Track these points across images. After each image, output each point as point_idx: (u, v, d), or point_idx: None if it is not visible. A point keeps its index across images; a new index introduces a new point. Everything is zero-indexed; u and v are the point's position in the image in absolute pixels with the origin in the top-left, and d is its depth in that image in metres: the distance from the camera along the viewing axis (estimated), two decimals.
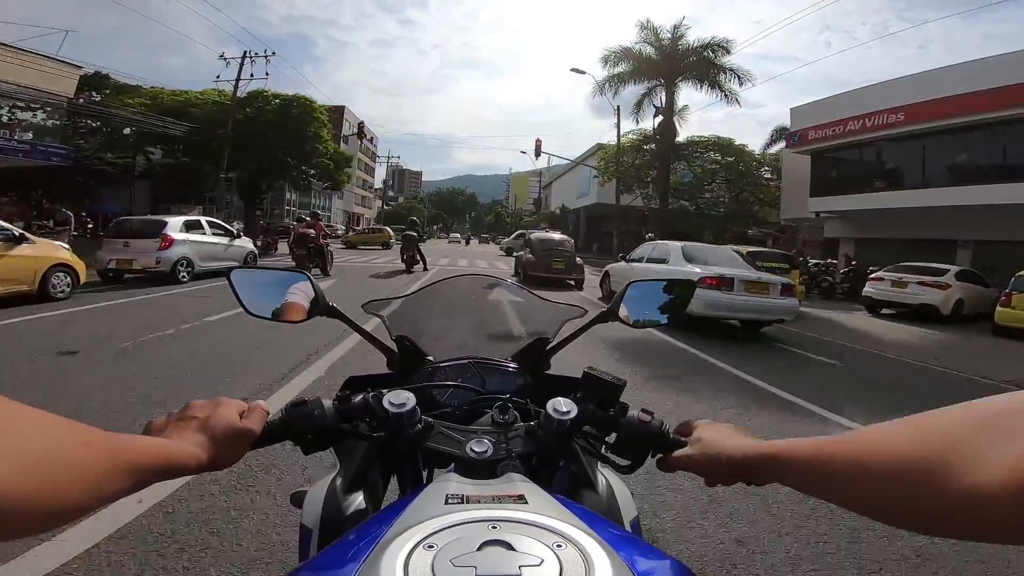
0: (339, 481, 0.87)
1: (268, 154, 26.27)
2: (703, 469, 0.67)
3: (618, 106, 29.98)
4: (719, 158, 31.74)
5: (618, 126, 29.79)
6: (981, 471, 0.34)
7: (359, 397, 0.74)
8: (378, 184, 72.16)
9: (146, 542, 2.20)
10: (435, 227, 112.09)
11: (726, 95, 29.50)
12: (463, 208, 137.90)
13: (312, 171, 30.42)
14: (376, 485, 0.91)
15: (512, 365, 1.05)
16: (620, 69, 29.60)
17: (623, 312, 1.07)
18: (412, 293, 1.27)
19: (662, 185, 30.61)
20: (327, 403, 0.72)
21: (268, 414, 0.67)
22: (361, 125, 26.17)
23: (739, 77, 28.96)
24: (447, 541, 0.48)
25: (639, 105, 31.13)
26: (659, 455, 0.74)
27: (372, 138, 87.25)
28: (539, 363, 1.08)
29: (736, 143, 30.76)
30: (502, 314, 1.29)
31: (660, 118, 30.82)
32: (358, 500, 0.85)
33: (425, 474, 0.90)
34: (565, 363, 1.12)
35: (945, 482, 0.36)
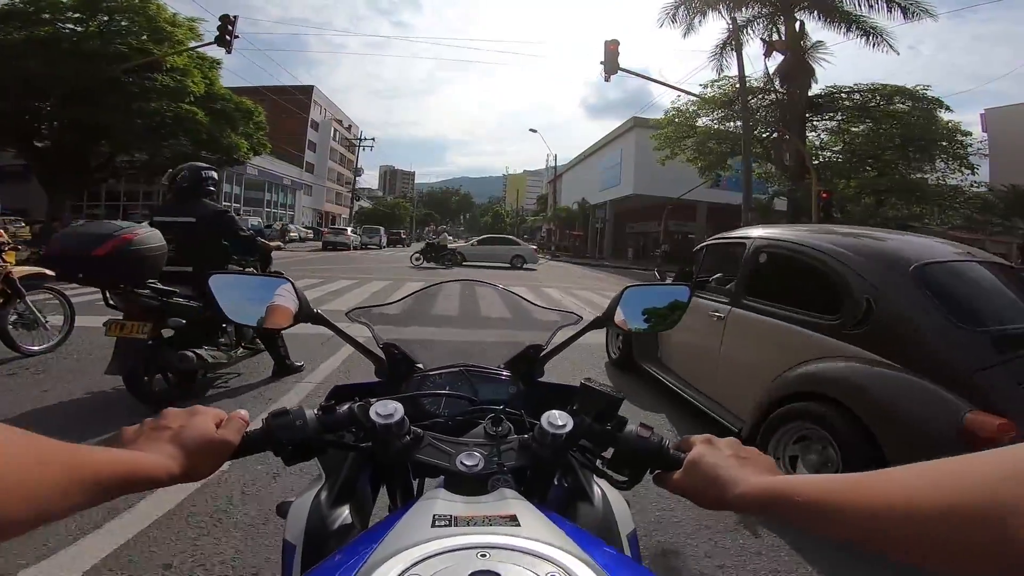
0: (324, 494, 0.82)
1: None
2: (696, 495, 0.63)
3: (734, 17, 17.50)
4: (861, 125, 19.21)
5: (738, 51, 17.21)
6: None
7: (344, 407, 0.71)
8: (363, 178, 59.22)
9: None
10: (426, 229, 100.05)
11: (867, 34, 17.40)
12: (457, 209, 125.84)
13: (161, 128, 17.15)
14: (364, 497, 0.88)
15: (505, 373, 1.02)
16: None
17: (619, 318, 1.04)
18: (401, 299, 1.21)
19: (795, 156, 18.16)
20: (310, 413, 0.69)
21: (247, 424, 0.65)
22: (226, 21, 12.85)
23: (902, 8, 16.80)
24: (433, 571, 0.46)
25: (725, 45, 18.88)
26: (657, 471, 0.70)
27: (350, 126, 74.72)
28: (533, 370, 1.04)
29: (923, 91, 18.10)
30: (494, 320, 1.24)
31: (775, 59, 18.68)
32: (344, 514, 0.80)
33: (416, 484, 0.86)
34: None
35: (987, 533, 0.34)
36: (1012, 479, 0.34)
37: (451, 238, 21.72)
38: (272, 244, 4.50)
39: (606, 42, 13.07)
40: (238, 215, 4.85)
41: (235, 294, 0.97)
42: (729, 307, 3.62)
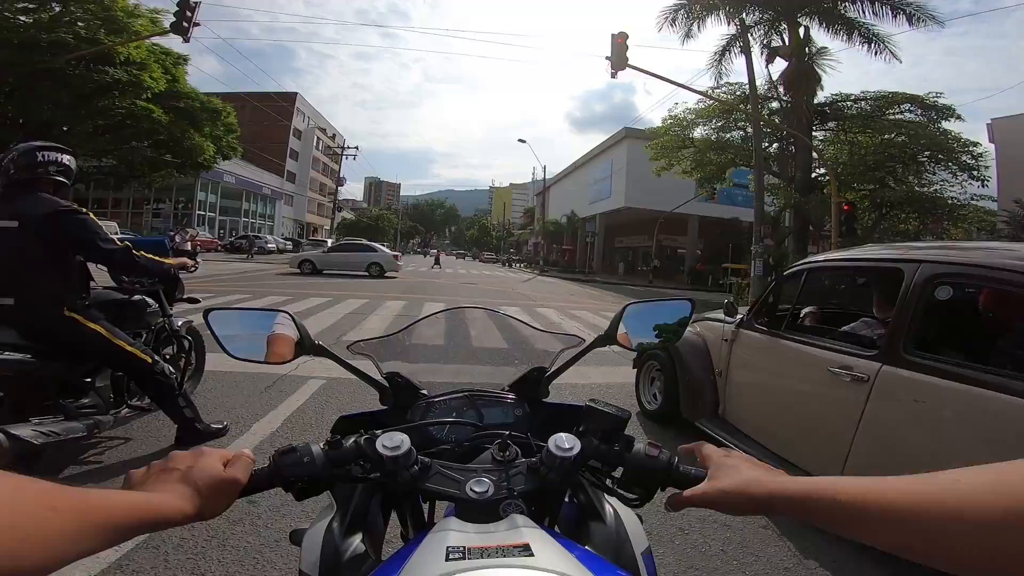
0: (336, 524, 0.81)
1: None
2: (724, 503, 0.61)
3: (742, 18, 16.51)
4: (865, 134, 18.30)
5: (747, 52, 16.18)
6: None
7: (351, 441, 0.72)
8: (348, 190, 56.83)
9: None
10: (412, 241, 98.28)
11: (869, 41, 16.69)
12: (443, 222, 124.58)
13: (121, 128, 15.41)
14: (376, 525, 0.87)
15: (510, 396, 1.01)
16: None
17: (622, 335, 1.03)
18: (402, 329, 1.19)
19: (802, 168, 17.16)
20: (316, 449, 0.69)
21: (254, 462, 0.65)
22: (184, 7, 11.24)
23: (907, 14, 16.08)
24: None
25: (724, 52, 18.04)
26: (673, 492, 0.68)
27: (334, 135, 73.16)
28: (538, 392, 1.03)
29: (934, 100, 17.18)
30: (496, 344, 1.24)
31: (777, 66, 17.89)
32: (356, 543, 0.80)
33: (426, 509, 0.86)
34: None
35: None
36: None
37: (195, 234, 17.51)
38: (172, 261, 3.03)
39: (613, 35, 11.73)
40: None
41: (235, 329, 0.97)
42: (878, 364, 2.28)
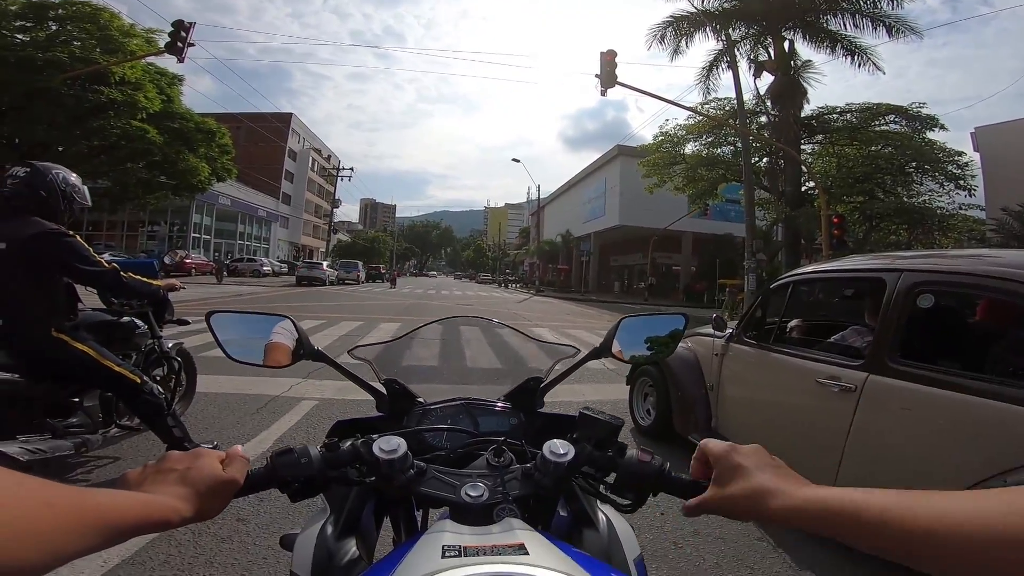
0: (329, 527, 0.81)
1: None
2: (731, 509, 0.58)
3: (728, 33, 16.84)
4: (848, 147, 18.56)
5: (733, 66, 16.48)
6: None
7: (348, 444, 0.72)
8: (344, 212, 56.87)
9: None
10: (407, 263, 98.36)
11: (852, 54, 17.04)
12: (438, 243, 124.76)
13: (115, 148, 15.41)
14: (369, 530, 0.87)
15: (505, 405, 1.02)
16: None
17: (616, 348, 1.05)
18: (400, 337, 1.25)
19: (792, 182, 17.37)
20: (314, 451, 0.69)
21: (249, 462, 0.64)
22: (179, 27, 11.56)
23: (887, 26, 16.43)
24: None
25: (712, 67, 18.41)
26: (684, 501, 0.66)
27: (329, 156, 73.62)
28: (533, 402, 1.04)
29: (918, 110, 17.47)
30: (493, 354, 1.27)
31: (764, 80, 18.24)
32: (351, 547, 0.80)
33: (419, 515, 0.89)
34: None
35: None
36: None
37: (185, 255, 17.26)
38: (161, 283, 3.03)
39: (602, 53, 11.89)
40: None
41: (236, 333, 0.97)
42: (864, 374, 2.30)
